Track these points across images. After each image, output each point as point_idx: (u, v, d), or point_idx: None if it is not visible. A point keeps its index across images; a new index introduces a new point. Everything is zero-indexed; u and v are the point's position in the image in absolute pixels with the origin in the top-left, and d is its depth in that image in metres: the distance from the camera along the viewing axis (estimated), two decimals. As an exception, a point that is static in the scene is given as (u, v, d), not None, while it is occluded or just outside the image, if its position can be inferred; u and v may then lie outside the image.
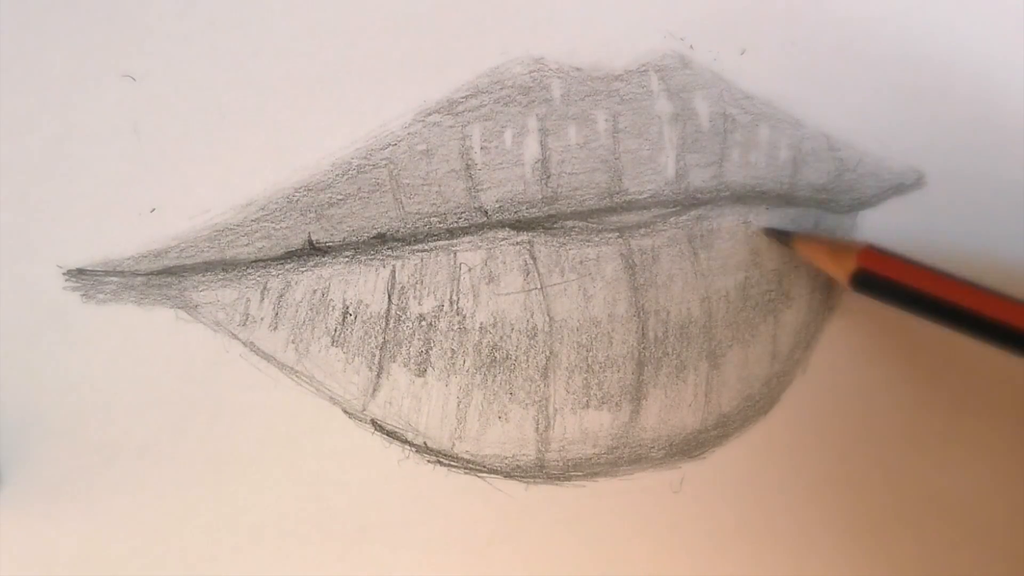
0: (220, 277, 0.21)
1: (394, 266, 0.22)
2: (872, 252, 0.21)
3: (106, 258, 0.21)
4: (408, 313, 0.22)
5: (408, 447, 0.23)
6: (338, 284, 0.22)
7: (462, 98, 0.22)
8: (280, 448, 0.22)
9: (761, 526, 0.24)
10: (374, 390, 0.22)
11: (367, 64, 0.21)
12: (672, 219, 0.23)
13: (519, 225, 0.22)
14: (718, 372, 0.24)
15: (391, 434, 0.22)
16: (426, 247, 0.22)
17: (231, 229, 0.21)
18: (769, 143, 0.23)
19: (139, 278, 0.21)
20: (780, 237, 0.23)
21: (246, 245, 0.21)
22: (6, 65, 0.20)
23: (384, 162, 0.22)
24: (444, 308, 0.22)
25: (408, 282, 0.22)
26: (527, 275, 0.22)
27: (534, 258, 0.22)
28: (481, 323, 0.22)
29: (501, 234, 0.22)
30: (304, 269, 0.22)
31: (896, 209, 0.24)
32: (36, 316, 0.21)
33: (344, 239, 0.22)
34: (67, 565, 0.22)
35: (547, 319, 0.23)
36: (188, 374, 0.22)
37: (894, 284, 0.20)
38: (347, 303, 0.22)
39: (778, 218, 0.23)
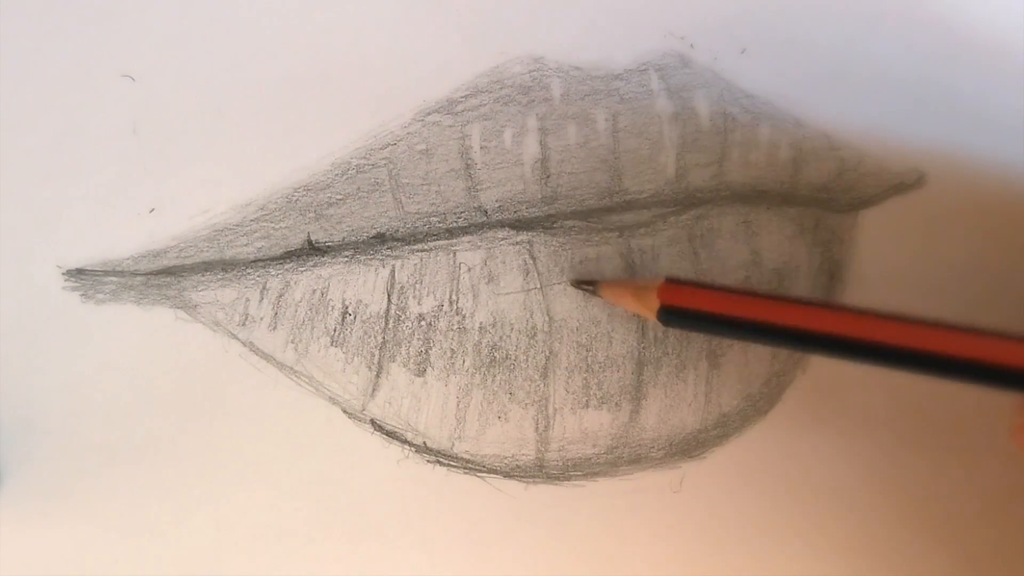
0: (219, 277, 0.21)
1: (393, 266, 0.22)
2: (671, 286, 0.21)
3: (105, 258, 0.21)
4: (407, 313, 0.22)
5: (407, 447, 0.23)
6: (337, 284, 0.22)
7: (461, 97, 0.22)
8: (280, 448, 0.22)
9: (761, 526, 0.24)
10: (373, 390, 0.22)
11: (366, 64, 0.21)
12: (672, 219, 0.23)
13: (519, 225, 0.22)
14: (718, 371, 0.24)
15: (390, 434, 0.22)
16: (425, 247, 0.22)
17: (230, 229, 0.21)
18: (769, 142, 0.23)
19: (138, 278, 0.21)
20: (587, 287, 0.22)
21: (245, 245, 0.21)
22: (6, 65, 0.20)
23: (383, 162, 0.22)
24: (444, 308, 0.22)
25: (407, 282, 0.22)
26: (527, 275, 0.22)
27: (534, 258, 0.22)
28: (481, 323, 0.22)
29: (501, 234, 0.22)
30: (303, 269, 0.22)
31: (896, 208, 0.24)
32: (36, 316, 0.21)
33: (343, 239, 0.22)
34: (67, 565, 0.22)
35: (547, 319, 0.23)
36: (187, 374, 0.22)
37: (699, 313, 0.20)
38: (346, 303, 0.22)
39: (778, 217, 0.23)
